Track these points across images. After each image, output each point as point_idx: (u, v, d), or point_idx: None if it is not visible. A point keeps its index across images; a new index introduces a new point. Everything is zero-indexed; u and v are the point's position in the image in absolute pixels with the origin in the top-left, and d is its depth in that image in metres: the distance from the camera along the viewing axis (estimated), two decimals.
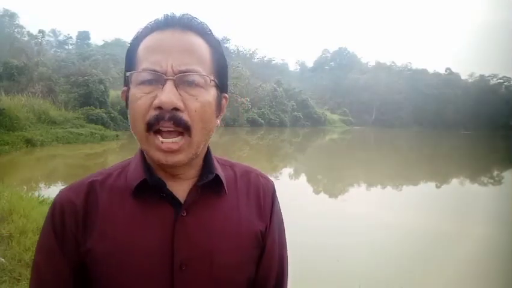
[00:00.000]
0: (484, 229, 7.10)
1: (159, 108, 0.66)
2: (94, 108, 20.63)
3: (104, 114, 20.68)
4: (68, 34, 56.89)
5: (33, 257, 0.78)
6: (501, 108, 58.28)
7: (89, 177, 0.78)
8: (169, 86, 0.66)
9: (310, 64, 79.63)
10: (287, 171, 14.55)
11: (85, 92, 21.01)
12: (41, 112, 17.18)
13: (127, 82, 0.72)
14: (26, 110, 16.37)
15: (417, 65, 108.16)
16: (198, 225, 0.74)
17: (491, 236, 6.74)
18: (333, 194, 10.51)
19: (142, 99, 0.67)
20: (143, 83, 0.68)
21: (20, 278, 3.14)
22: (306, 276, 4.36)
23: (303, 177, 13.51)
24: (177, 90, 0.67)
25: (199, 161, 0.78)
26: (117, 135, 19.25)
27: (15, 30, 42.67)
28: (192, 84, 0.68)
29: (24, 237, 3.77)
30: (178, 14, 0.73)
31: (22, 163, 12.30)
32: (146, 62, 0.68)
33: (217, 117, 0.75)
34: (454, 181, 13.60)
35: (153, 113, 0.66)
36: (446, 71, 69.10)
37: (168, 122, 0.66)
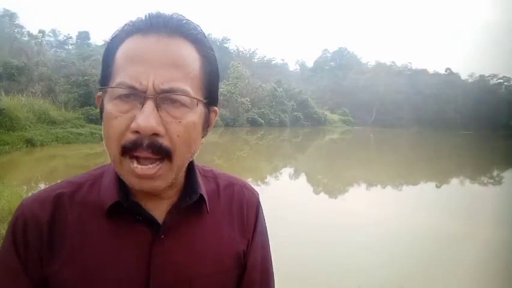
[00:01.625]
0: (484, 229, 7.10)
1: (137, 132, 0.57)
2: (94, 108, 20.59)
3: None
4: (68, 34, 56.85)
5: None
6: (501, 108, 58.30)
7: (55, 187, 0.69)
8: (149, 106, 0.57)
9: (310, 64, 79.78)
10: (287, 171, 14.55)
11: (85, 92, 21.00)
12: (41, 112, 17.16)
13: (101, 89, 0.63)
14: (26, 110, 16.34)
15: (417, 65, 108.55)
16: (177, 248, 0.67)
17: (491, 236, 6.73)
18: (333, 194, 10.51)
19: (117, 120, 0.58)
20: (119, 97, 0.59)
21: None
22: (306, 275, 4.36)
23: (303, 177, 13.51)
24: (158, 111, 0.58)
25: (180, 180, 0.70)
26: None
27: (15, 30, 42.63)
28: (176, 103, 0.59)
29: None
30: (165, 13, 0.62)
31: (22, 163, 12.30)
32: (123, 74, 0.58)
33: (203, 136, 0.67)
34: (454, 181, 13.60)
35: (130, 137, 0.58)
36: (446, 71, 69.16)
37: (146, 150, 0.58)
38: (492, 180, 14.24)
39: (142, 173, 0.59)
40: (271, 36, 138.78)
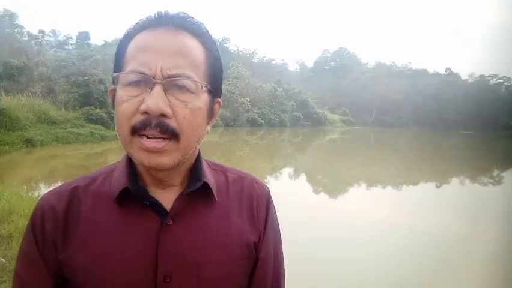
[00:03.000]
0: (484, 229, 7.09)
1: (146, 113, 0.62)
2: (94, 108, 20.61)
3: (104, 114, 20.65)
4: (68, 34, 56.93)
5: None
6: (501, 108, 58.32)
7: (73, 182, 0.74)
8: (157, 90, 0.62)
9: (310, 64, 79.78)
10: (287, 171, 14.55)
11: (85, 92, 20.99)
12: (41, 112, 17.16)
13: (114, 81, 0.68)
14: (26, 110, 16.35)
15: (417, 65, 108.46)
16: (184, 234, 0.69)
17: (491, 235, 6.73)
18: (333, 194, 10.51)
19: (128, 102, 0.63)
20: (130, 84, 0.64)
21: None
22: (306, 275, 4.36)
23: (303, 177, 13.51)
24: (166, 95, 0.62)
25: (186, 168, 0.73)
26: (117, 135, 19.22)
27: (15, 30, 42.65)
28: (182, 89, 0.64)
29: None
30: (172, 11, 0.68)
31: (22, 163, 12.31)
32: (134, 62, 0.64)
33: (208, 123, 0.71)
34: (454, 181, 13.60)
35: (139, 117, 0.62)
36: (446, 71, 69.23)
37: (154, 129, 0.62)
38: (492, 180, 14.24)
39: (150, 145, 0.63)
40: (271, 36, 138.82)
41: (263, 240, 0.78)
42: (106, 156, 15.65)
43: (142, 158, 0.64)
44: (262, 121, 39.17)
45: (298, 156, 20.06)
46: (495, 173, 16.28)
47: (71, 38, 55.32)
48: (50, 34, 53.86)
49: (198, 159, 0.75)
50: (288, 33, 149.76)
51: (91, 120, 19.69)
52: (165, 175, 0.70)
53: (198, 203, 0.72)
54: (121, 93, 0.65)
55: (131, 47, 0.66)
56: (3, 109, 14.19)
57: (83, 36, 54.47)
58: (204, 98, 0.67)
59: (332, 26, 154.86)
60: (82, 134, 17.30)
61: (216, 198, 0.74)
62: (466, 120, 62.06)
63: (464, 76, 70.99)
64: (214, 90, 0.70)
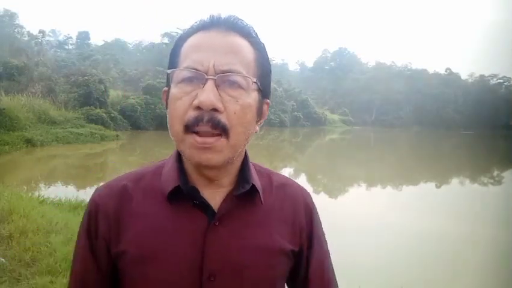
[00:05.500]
0: (484, 229, 7.09)
1: (198, 108, 0.64)
2: (94, 108, 20.61)
3: (104, 114, 20.66)
4: (68, 34, 56.92)
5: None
6: (501, 108, 58.31)
7: (122, 178, 0.77)
8: (210, 85, 0.64)
9: (310, 64, 79.60)
10: (287, 171, 14.54)
11: (85, 92, 20.99)
12: (41, 112, 17.16)
13: (168, 82, 0.70)
14: (26, 110, 16.34)
15: (417, 65, 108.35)
16: (229, 236, 0.71)
17: (491, 236, 6.73)
18: (333, 194, 10.51)
19: (182, 100, 0.65)
20: (183, 80, 0.66)
21: (20, 278, 3.13)
22: None
23: (303, 177, 13.50)
24: (218, 90, 0.64)
25: (235, 168, 0.74)
26: (117, 135, 19.25)
27: (15, 30, 42.69)
28: (234, 85, 0.65)
29: (24, 237, 3.76)
30: (223, 15, 0.71)
31: (22, 163, 12.30)
32: (188, 60, 0.66)
33: (257, 122, 0.72)
34: (454, 181, 13.61)
35: (192, 113, 0.64)
36: (446, 71, 69.13)
37: (206, 124, 0.64)
38: (492, 180, 14.24)
39: (201, 141, 0.64)
40: (271, 36, 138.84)
41: (312, 248, 0.80)
42: (106, 156, 15.65)
43: (193, 155, 0.66)
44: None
45: (298, 156, 20.05)
46: (495, 173, 16.28)
47: (71, 38, 55.29)
48: (50, 34, 53.93)
49: (246, 161, 0.77)
50: (288, 33, 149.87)
51: (91, 120, 19.68)
52: (215, 174, 0.71)
53: (244, 205, 0.73)
54: (175, 90, 0.67)
55: (185, 47, 0.69)
56: (3, 109, 14.19)
57: (83, 36, 54.41)
58: (254, 95, 0.69)
59: (332, 26, 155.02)
60: (82, 134, 17.30)
61: (262, 201, 0.75)
62: (466, 120, 62.02)
63: (464, 76, 71.09)
64: (264, 90, 0.72)
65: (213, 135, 0.64)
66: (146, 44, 58.42)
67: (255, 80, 0.68)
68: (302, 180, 12.77)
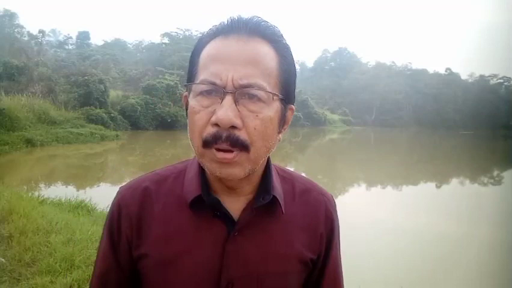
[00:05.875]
0: (484, 229, 7.09)
1: (216, 125, 0.62)
2: (94, 108, 20.63)
3: (104, 114, 20.68)
4: (68, 34, 56.87)
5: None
6: (501, 108, 58.33)
7: (145, 178, 0.77)
8: (228, 101, 0.61)
9: (310, 64, 79.68)
10: None
11: (85, 92, 21.01)
12: (41, 112, 17.16)
13: (187, 84, 0.70)
14: (26, 110, 16.35)
15: (417, 65, 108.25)
16: (248, 246, 0.71)
17: (490, 236, 6.73)
18: (333, 194, 10.48)
19: (200, 114, 0.64)
20: (201, 93, 0.64)
21: (20, 278, 3.13)
22: None
23: None
24: (236, 105, 0.62)
25: (257, 176, 0.73)
26: (117, 135, 19.26)
27: (15, 30, 42.66)
28: (253, 98, 0.63)
29: (24, 237, 3.76)
30: (245, 16, 0.67)
31: (22, 163, 12.30)
32: (206, 72, 0.64)
33: (279, 132, 0.70)
34: (454, 181, 13.60)
35: (210, 130, 0.62)
36: (446, 71, 69.22)
37: (225, 142, 0.62)
38: (492, 180, 14.24)
39: (222, 157, 0.63)
40: None
41: (329, 256, 0.81)
42: (106, 156, 15.65)
43: (214, 169, 0.65)
44: None
45: (298, 156, 20.05)
46: (495, 173, 16.28)
47: (71, 38, 55.32)
48: (50, 34, 53.96)
49: (268, 168, 0.75)
50: (288, 33, 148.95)
51: (91, 120, 19.70)
52: (236, 184, 0.70)
53: (264, 215, 0.73)
54: (193, 103, 0.65)
55: (204, 56, 0.66)
56: (3, 109, 14.19)
57: (83, 36, 54.44)
58: (276, 106, 0.66)
59: (332, 26, 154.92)
60: (82, 134, 17.30)
61: (284, 210, 0.74)
62: (466, 120, 62.05)
63: (464, 76, 71.18)
64: (287, 97, 0.69)
65: (232, 150, 0.63)
66: (146, 44, 58.54)
67: (277, 93, 0.65)
68: None
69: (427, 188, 11.97)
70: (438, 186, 12.17)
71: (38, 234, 3.88)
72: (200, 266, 0.70)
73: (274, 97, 0.65)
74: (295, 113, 0.76)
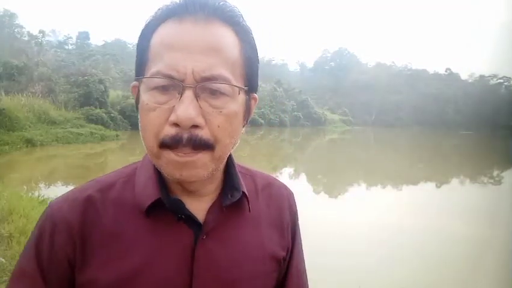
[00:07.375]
0: (484, 229, 7.09)
1: (175, 124, 0.54)
2: (94, 108, 20.63)
3: (104, 114, 20.68)
4: (68, 34, 57.05)
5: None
6: (501, 108, 58.26)
7: (86, 188, 0.65)
8: (188, 96, 0.54)
9: (310, 64, 79.80)
10: (287, 171, 14.54)
11: (85, 92, 21.01)
12: (41, 112, 17.17)
13: (138, 76, 0.60)
14: (26, 110, 16.37)
15: (417, 65, 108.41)
16: (219, 250, 0.64)
17: (490, 236, 6.73)
18: (333, 194, 10.51)
19: (155, 112, 0.55)
20: (156, 88, 0.56)
21: None
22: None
23: (303, 177, 13.51)
24: (198, 101, 0.54)
25: (219, 174, 0.66)
26: (117, 135, 19.26)
27: (15, 30, 42.67)
28: (216, 93, 0.56)
29: (24, 237, 3.76)
30: None
31: (22, 163, 12.30)
32: (160, 62, 0.55)
33: (244, 125, 0.64)
34: (454, 181, 13.60)
35: (169, 131, 0.55)
36: (446, 71, 69.28)
37: (186, 146, 0.55)
38: (492, 180, 14.23)
39: (182, 160, 0.56)
40: (271, 37, 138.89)
41: (293, 251, 0.76)
42: (106, 156, 15.65)
43: (173, 172, 0.57)
44: (262, 121, 39.13)
45: (298, 156, 20.05)
46: (495, 173, 16.27)
47: (71, 38, 55.39)
48: (50, 34, 53.87)
49: (231, 163, 0.69)
50: (288, 33, 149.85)
51: (91, 120, 19.70)
52: (198, 185, 0.63)
53: (231, 214, 0.66)
54: (146, 98, 0.57)
55: (155, 42, 0.57)
56: (3, 109, 14.20)
57: (83, 36, 54.51)
58: (241, 99, 0.59)
59: (332, 26, 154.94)
60: (82, 134, 17.30)
61: (250, 208, 0.68)
62: (466, 120, 62.02)
63: (464, 76, 71.20)
64: (251, 86, 0.62)
65: (194, 153, 0.56)
66: None
67: (242, 86, 0.59)
68: (302, 180, 12.78)
69: (427, 188, 11.96)
70: (438, 186, 12.17)
71: None
72: (166, 279, 0.60)
73: (240, 91, 0.58)
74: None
